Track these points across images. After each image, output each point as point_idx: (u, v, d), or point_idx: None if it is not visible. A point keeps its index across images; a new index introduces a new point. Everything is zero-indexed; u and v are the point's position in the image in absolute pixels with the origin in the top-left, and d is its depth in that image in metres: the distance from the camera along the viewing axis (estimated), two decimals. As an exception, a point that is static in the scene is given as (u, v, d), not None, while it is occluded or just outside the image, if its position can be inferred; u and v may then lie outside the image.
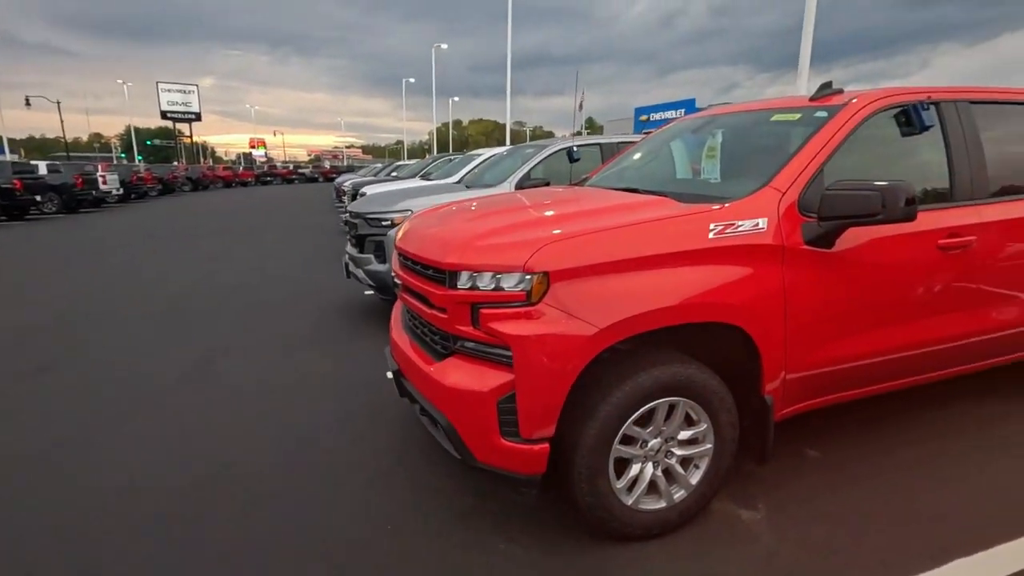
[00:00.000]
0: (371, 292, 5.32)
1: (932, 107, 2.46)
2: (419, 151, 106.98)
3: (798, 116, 2.48)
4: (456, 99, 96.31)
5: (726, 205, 2.10)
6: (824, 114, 2.37)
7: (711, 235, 2.01)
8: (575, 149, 4.96)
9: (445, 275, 2.03)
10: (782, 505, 2.31)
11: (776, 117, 2.58)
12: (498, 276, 1.91)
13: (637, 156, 3.47)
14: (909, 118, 2.40)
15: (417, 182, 8.33)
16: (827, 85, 2.56)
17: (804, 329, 2.19)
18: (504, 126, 23.43)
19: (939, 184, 2.47)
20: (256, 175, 48.10)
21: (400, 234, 2.66)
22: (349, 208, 5.15)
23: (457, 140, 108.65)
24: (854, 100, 2.38)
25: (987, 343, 2.66)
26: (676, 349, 2.08)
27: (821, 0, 9.41)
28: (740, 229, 2.05)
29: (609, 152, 5.15)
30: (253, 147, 78.98)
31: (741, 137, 2.80)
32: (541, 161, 5.07)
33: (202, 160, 71.18)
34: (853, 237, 2.19)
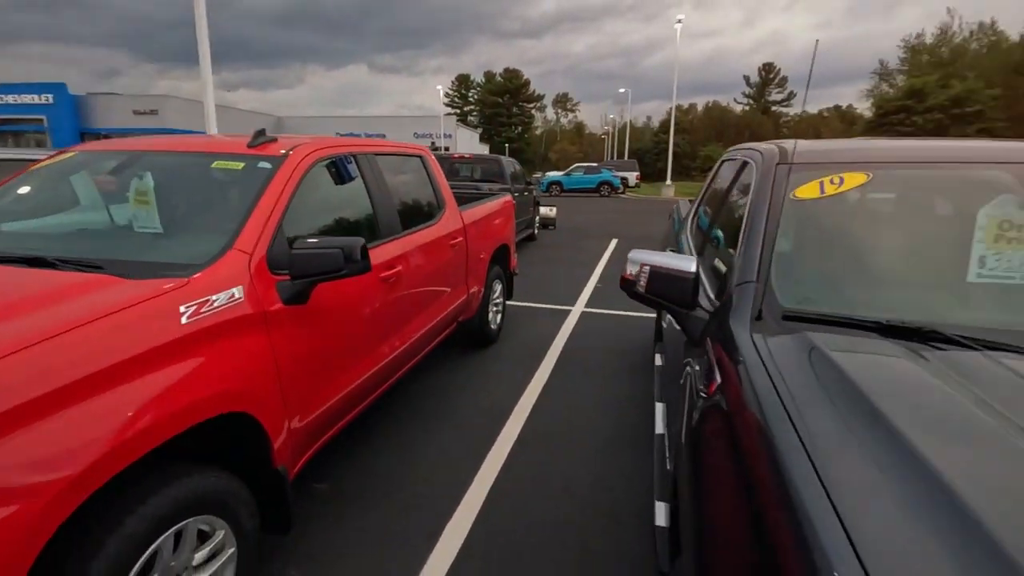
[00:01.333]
0: None
1: (354, 159, 2.85)
2: None
3: (241, 166, 2.37)
4: None
5: (193, 277, 1.81)
6: (268, 165, 2.36)
7: (184, 320, 1.69)
8: None
9: None
10: (312, 554, 2.31)
11: (217, 164, 2.39)
12: None
13: (25, 199, 2.51)
14: (339, 169, 2.71)
15: None
16: (261, 132, 2.55)
17: (297, 385, 2.18)
18: None
19: (369, 225, 2.92)
20: None
21: None
22: None
23: None
24: (293, 151, 2.46)
25: (424, 336, 3.42)
26: (169, 461, 1.68)
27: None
28: (216, 305, 1.81)
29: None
30: None
31: (179, 184, 2.45)
32: None
33: None
34: (320, 287, 2.30)
